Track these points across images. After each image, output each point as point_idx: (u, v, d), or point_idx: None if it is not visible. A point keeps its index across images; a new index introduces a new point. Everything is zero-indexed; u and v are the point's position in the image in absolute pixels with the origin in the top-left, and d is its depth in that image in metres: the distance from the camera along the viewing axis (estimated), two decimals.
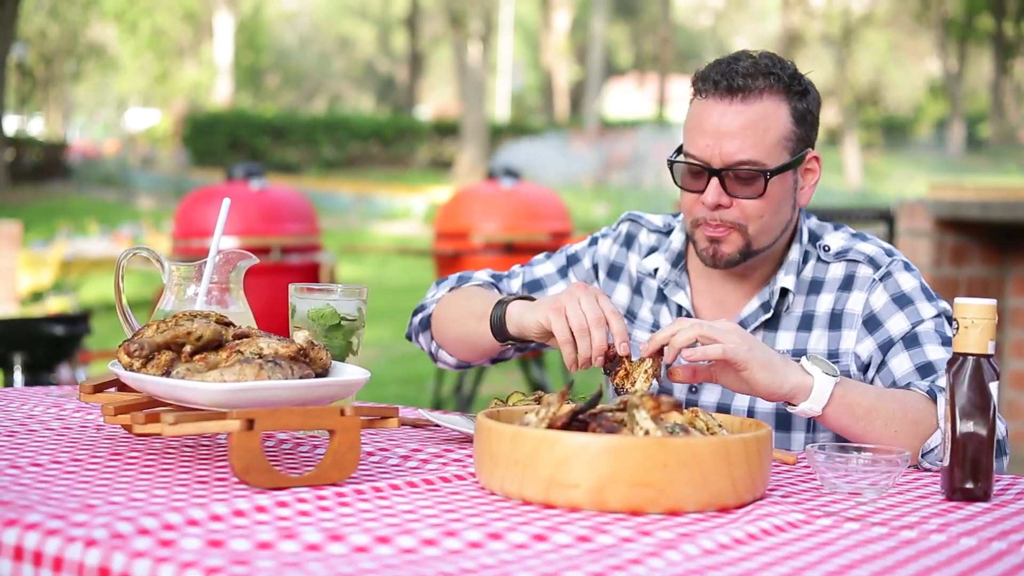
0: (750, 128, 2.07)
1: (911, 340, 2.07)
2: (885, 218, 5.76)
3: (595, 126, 29.77)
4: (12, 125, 28.63)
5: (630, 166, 24.53)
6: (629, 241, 2.35)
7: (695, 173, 2.12)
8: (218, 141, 27.53)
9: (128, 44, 33.48)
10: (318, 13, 42.76)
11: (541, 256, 2.41)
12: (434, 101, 44.47)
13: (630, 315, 2.31)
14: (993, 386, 1.64)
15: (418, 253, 10.04)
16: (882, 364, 2.08)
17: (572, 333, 1.92)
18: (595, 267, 2.37)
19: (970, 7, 31.41)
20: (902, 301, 2.11)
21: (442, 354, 2.30)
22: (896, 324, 2.09)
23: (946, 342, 2.06)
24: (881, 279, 2.13)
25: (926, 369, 2.03)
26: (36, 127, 33.62)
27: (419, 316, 2.33)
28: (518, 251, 7.66)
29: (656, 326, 2.28)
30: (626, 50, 43.77)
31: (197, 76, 34.12)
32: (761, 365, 1.83)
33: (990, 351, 1.64)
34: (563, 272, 2.37)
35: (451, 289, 2.31)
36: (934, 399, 1.93)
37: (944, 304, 2.13)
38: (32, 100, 32.95)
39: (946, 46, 32.62)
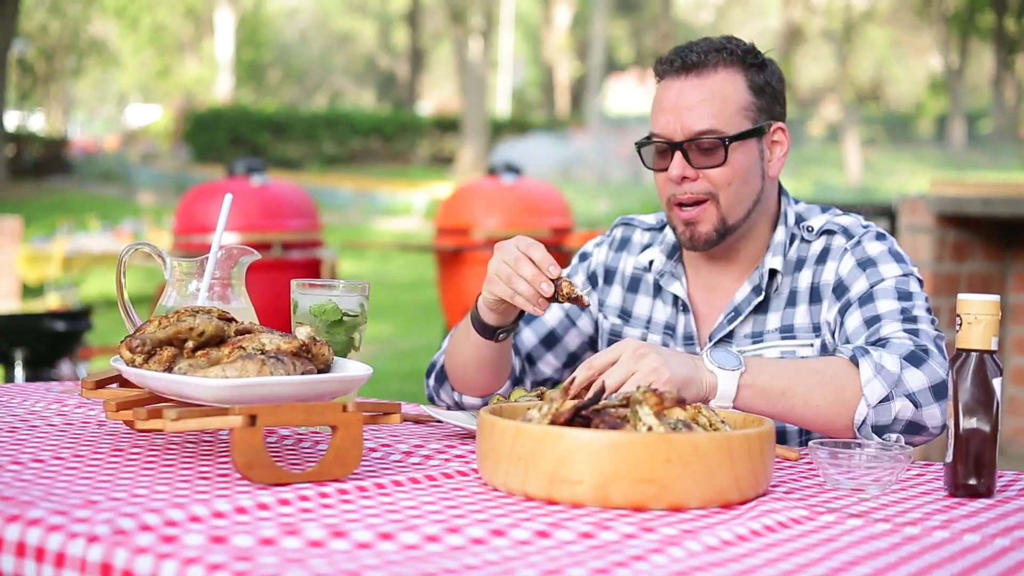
0: (707, 99, 2.13)
1: (866, 298, 2.08)
2: (887, 214, 5.76)
3: (596, 122, 29.76)
4: (13, 121, 28.62)
5: (631, 161, 24.52)
6: (623, 244, 2.39)
7: (661, 151, 2.17)
8: (219, 137, 27.53)
9: (129, 40, 33.47)
10: (319, 8, 42.75)
11: None
12: (435, 97, 44.46)
13: (624, 314, 2.33)
14: (996, 382, 1.64)
15: (419, 249, 10.04)
16: (841, 326, 2.10)
17: (509, 286, 1.97)
18: (592, 278, 2.39)
19: (972, 3, 31.38)
20: (866, 265, 2.13)
21: (466, 399, 2.31)
22: (857, 286, 2.11)
23: (904, 296, 2.06)
24: (852, 248, 2.16)
25: (872, 321, 2.04)
26: (37, 123, 33.61)
27: (433, 373, 2.36)
28: None
29: (650, 320, 2.29)
30: (627, 46, 43.76)
31: (198, 72, 34.12)
32: (683, 384, 1.83)
33: (993, 347, 1.64)
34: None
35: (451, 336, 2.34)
36: (856, 363, 1.92)
37: (914, 268, 2.14)
38: (33, 96, 32.94)
39: (947, 42, 32.59)
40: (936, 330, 2.04)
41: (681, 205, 2.16)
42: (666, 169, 2.15)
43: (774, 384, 1.90)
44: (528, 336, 2.37)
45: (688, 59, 2.14)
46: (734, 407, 1.88)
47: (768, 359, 1.98)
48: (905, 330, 2.00)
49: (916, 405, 1.92)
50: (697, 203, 2.15)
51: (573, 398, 1.68)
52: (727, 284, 2.24)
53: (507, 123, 30.55)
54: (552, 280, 1.94)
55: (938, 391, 1.92)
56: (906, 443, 1.93)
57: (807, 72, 37.19)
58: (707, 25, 41.94)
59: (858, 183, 26.16)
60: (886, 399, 1.90)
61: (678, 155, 2.13)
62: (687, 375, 1.84)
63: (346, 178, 24.59)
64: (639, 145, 2.21)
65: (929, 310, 2.08)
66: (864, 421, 1.91)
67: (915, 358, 1.93)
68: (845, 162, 28.23)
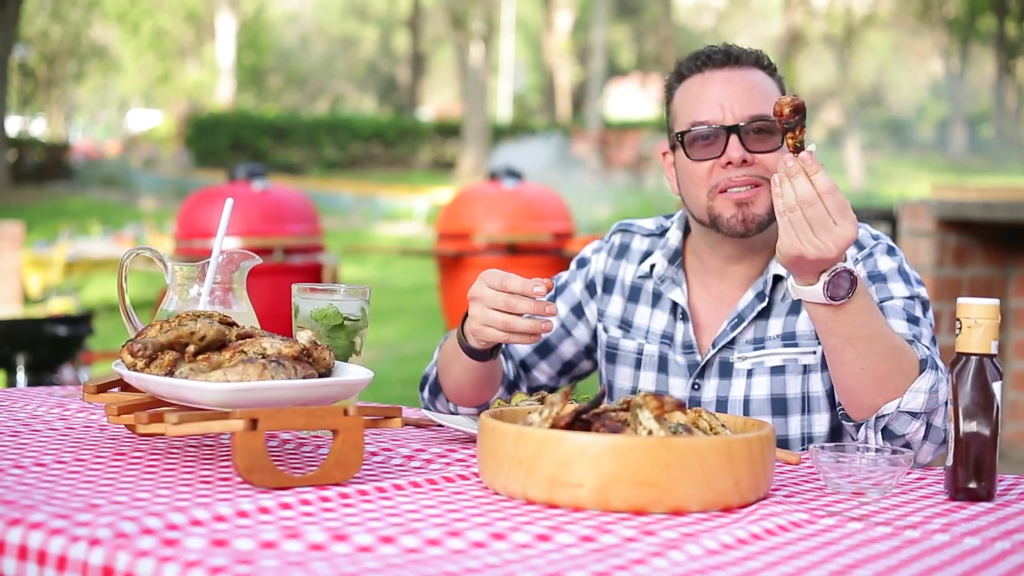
0: (755, 88, 2.14)
1: None
2: (888, 219, 5.76)
3: (597, 127, 29.76)
4: (14, 126, 28.65)
5: (632, 167, 24.55)
6: (622, 251, 2.37)
7: (705, 139, 2.13)
8: (220, 142, 27.55)
9: (130, 45, 33.53)
10: (320, 14, 42.79)
11: None
12: (436, 102, 44.48)
13: (625, 324, 2.31)
14: (996, 386, 1.64)
15: (420, 254, 10.05)
16: None
17: (507, 330, 1.93)
18: (591, 286, 2.37)
19: (972, 7, 31.39)
20: (876, 279, 2.12)
21: (461, 411, 2.30)
22: None
23: (912, 320, 2.05)
24: (863, 259, 2.15)
25: None
26: (38, 128, 33.63)
27: (427, 386, 2.33)
28: (520, 251, 7.67)
29: (648, 331, 2.28)
30: (628, 51, 43.78)
31: (199, 77, 34.15)
32: (850, 216, 1.78)
33: (993, 351, 1.64)
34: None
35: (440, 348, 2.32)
36: (922, 369, 1.90)
37: (920, 289, 2.13)
38: (34, 101, 32.97)
39: (948, 46, 32.61)
40: (945, 367, 2.02)
41: (729, 190, 2.10)
42: (716, 157, 2.11)
43: (853, 329, 1.84)
44: (522, 345, 2.36)
45: (731, 53, 2.17)
46: (855, 295, 1.82)
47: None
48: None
49: (925, 437, 1.93)
50: (753, 186, 2.11)
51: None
52: (731, 293, 2.22)
53: (508, 128, 30.55)
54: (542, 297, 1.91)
55: (944, 439, 1.93)
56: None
57: (808, 77, 37.20)
58: (708, 30, 41.96)
59: (860, 188, 26.17)
60: (915, 415, 1.90)
61: (734, 139, 2.10)
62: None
63: (347, 183, 24.60)
64: (681, 135, 2.15)
65: (934, 340, 2.08)
66: (884, 416, 1.90)
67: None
68: (846, 167, 28.23)
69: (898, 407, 1.89)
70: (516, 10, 37.44)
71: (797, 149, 1.78)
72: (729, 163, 2.11)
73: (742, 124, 2.11)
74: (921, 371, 1.91)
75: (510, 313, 1.92)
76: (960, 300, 1.66)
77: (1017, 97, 34.78)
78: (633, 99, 44.42)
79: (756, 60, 2.18)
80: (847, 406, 1.95)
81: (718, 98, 2.13)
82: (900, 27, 34.48)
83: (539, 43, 40.43)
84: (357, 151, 29.04)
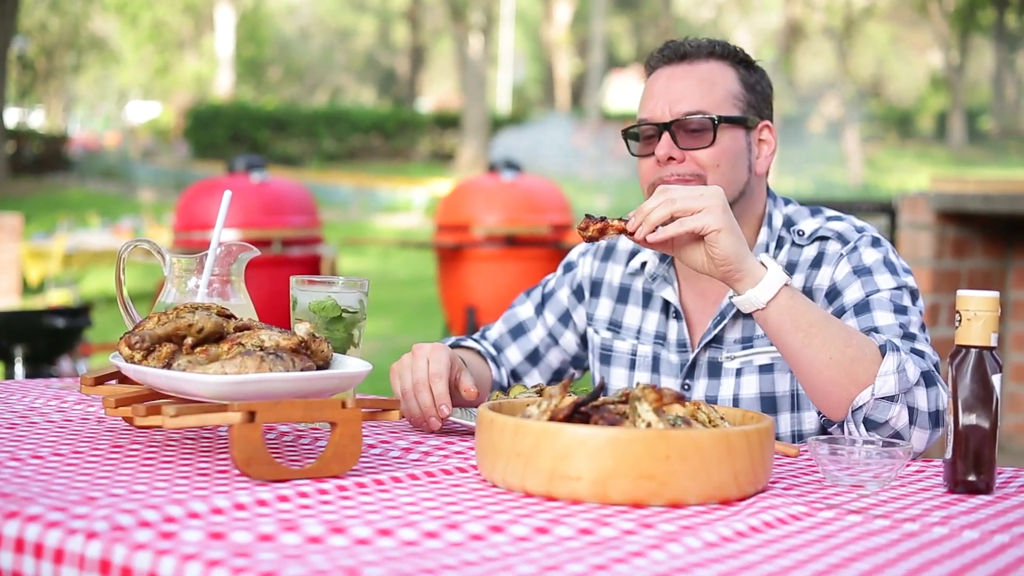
0: (696, 83, 2.15)
1: (862, 307, 2.06)
2: (887, 211, 5.75)
3: (596, 118, 29.73)
4: (13, 118, 28.63)
5: (630, 158, 24.49)
6: (608, 253, 2.37)
7: (647, 136, 2.16)
8: (219, 134, 27.54)
9: (129, 37, 33.50)
10: (319, 5, 42.74)
11: (523, 295, 2.44)
12: (435, 93, 44.44)
13: (615, 325, 2.31)
14: (996, 378, 1.64)
15: (419, 246, 10.04)
16: None
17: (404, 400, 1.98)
18: (578, 291, 2.38)
19: None
20: (862, 272, 2.11)
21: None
22: (852, 293, 2.09)
23: (900, 311, 2.05)
24: (847, 254, 2.14)
25: (870, 333, 2.01)
26: (37, 120, 33.60)
27: None
28: (519, 243, 7.66)
29: (640, 331, 2.28)
30: (627, 42, 43.73)
31: (198, 69, 34.14)
32: (730, 229, 1.83)
33: (993, 343, 1.64)
34: (539, 311, 2.41)
35: None
36: (883, 353, 1.89)
37: (908, 279, 2.12)
38: (33, 93, 32.94)
39: (948, 38, 32.59)
40: (934, 352, 2.02)
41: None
42: (652, 153, 2.14)
43: (808, 313, 1.86)
44: (513, 354, 2.38)
45: (680, 50, 2.17)
46: (765, 307, 1.85)
47: None
48: (912, 349, 1.97)
49: (912, 422, 1.91)
50: (684, 183, 2.11)
51: (628, 232, 1.83)
52: (716, 288, 2.22)
53: (507, 119, 30.54)
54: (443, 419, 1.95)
55: (935, 418, 1.92)
56: None
57: (807, 69, 37.17)
58: (707, 22, 41.90)
59: (859, 180, 26.16)
60: (890, 399, 1.88)
61: (665, 136, 2.12)
62: (737, 231, 1.83)
63: (346, 175, 24.60)
64: (626, 132, 2.20)
65: (923, 327, 2.07)
66: (861, 407, 1.89)
67: (930, 379, 1.92)
68: (846, 159, 28.21)
69: (872, 394, 1.88)
70: (515, 1, 37.40)
71: (622, 224, 1.86)
72: (658, 161, 2.13)
73: (673, 121, 2.12)
74: (883, 356, 1.89)
75: (415, 398, 1.97)
76: (959, 292, 1.66)
77: (1017, 89, 34.77)
78: (632, 91, 44.38)
79: (710, 52, 2.17)
80: (824, 408, 1.94)
81: (658, 95, 2.16)
82: (899, 19, 34.45)
83: (538, 35, 40.41)
84: (356, 143, 29.04)
